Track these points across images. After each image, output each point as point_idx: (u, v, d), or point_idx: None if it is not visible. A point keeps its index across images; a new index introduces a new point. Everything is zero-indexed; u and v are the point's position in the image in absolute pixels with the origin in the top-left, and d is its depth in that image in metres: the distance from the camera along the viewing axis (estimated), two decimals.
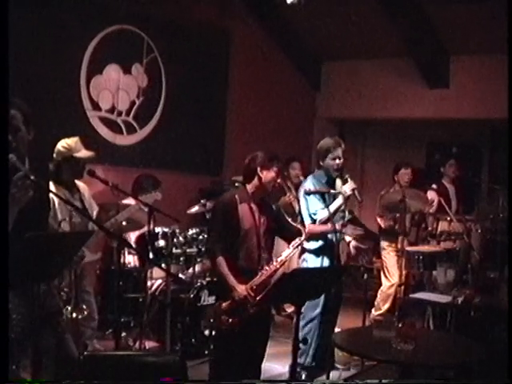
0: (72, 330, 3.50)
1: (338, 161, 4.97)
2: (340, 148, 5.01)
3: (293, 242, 4.12)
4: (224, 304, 3.92)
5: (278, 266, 3.98)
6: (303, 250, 5.03)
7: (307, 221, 4.97)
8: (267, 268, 3.97)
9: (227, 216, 4.00)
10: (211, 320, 5.43)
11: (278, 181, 4.10)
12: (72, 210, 4.21)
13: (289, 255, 4.08)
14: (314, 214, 4.92)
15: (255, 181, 4.09)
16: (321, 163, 5.09)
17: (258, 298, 3.79)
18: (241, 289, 3.90)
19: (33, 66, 5.66)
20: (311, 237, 4.88)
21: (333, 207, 4.87)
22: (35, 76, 5.70)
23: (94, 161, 4.74)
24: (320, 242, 4.96)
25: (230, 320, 3.87)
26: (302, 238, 4.11)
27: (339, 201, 4.91)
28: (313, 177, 5.16)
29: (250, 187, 4.13)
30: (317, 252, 4.97)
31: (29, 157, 2.79)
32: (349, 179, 4.92)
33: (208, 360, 4.45)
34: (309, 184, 5.07)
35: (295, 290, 3.33)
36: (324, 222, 4.87)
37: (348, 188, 4.87)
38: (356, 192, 4.90)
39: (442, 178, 7.54)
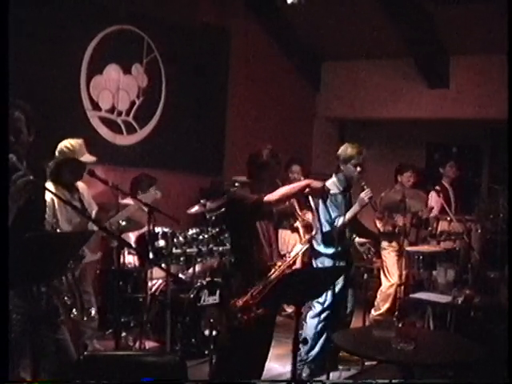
0: (72, 330, 3.50)
1: (359, 168, 5.07)
2: (362, 156, 5.11)
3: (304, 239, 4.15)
4: (239, 301, 3.83)
5: (291, 262, 3.95)
6: (318, 254, 5.06)
7: (325, 227, 5.02)
8: (280, 264, 3.94)
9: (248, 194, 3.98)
10: (211, 320, 5.44)
11: (277, 180, 4.08)
12: (72, 209, 4.21)
13: (300, 251, 4.08)
14: (334, 221, 4.98)
15: (258, 178, 4.06)
16: (341, 167, 5.16)
17: (259, 299, 3.76)
18: (316, 182, 4.00)
19: (33, 66, 5.65)
20: (326, 241, 4.96)
21: (349, 214, 4.96)
22: (35, 76, 5.69)
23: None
24: (335, 247, 4.99)
25: (245, 317, 3.82)
26: (313, 232, 4.14)
27: (356, 208, 5.00)
28: (336, 180, 5.20)
29: (253, 186, 4.09)
30: (332, 256, 5.00)
31: (27, 158, 2.79)
32: (365, 187, 5.00)
33: (209, 360, 4.43)
34: (332, 185, 5.08)
35: (295, 290, 3.33)
36: (340, 228, 4.93)
37: (365, 196, 4.96)
38: (372, 201, 5.02)
39: (441, 178, 7.54)
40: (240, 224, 4.06)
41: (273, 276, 3.86)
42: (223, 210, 5.92)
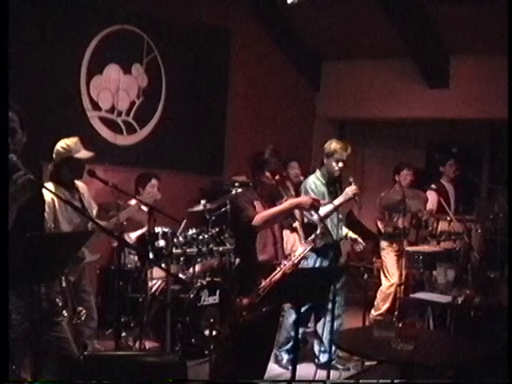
0: (71, 330, 3.50)
1: (340, 164, 5.21)
2: (346, 152, 5.23)
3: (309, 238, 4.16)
4: (245, 300, 3.80)
5: (295, 262, 3.95)
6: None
7: (305, 219, 5.05)
8: (285, 263, 3.94)
9: (247, 203, 3.96)
10: (211, 320, 5.44)
11: (277, 177, 4.06)
12: (72, 210, 4.21)
13: (305, 250, 4.08)
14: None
15: (260, 177, 4.07)
16: (324, 161, 5.31)
17: (258, 299, 3.75)
18: (305, 199, 4.10)
19: (33, 65, 5.66)
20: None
21: (331, 206, 5.01)
22: (35, 76, 5.70)
23: (94, 161, 4.73)
24: (323, 240, 5.00)
25: (250, 316, 3.77)
26: (318, 232, 4.14)
27: (339, 200, 5.05)
28: (315, 176, 5.35)
29: (256, 186, 4.11)
30: (320, 250, 5.02)
31: (24, 158, 2.78)
32: (353, 183, 5.08)
33: (209, 360, 4.43)
34: (311, 182, 5.29)
35: (295, 291, 3.33)
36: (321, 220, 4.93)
37: (350, 191, 5.03)
38: (357, 197, 5.09)
39: (440, 177, 7.54)
40: (242, 228, 4.04)
41: (277, 276, 3.85)
42: (223, 210, 5.94)
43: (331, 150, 5.22)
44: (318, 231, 4.16)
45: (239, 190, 4.17)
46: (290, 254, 4.06)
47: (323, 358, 5.36)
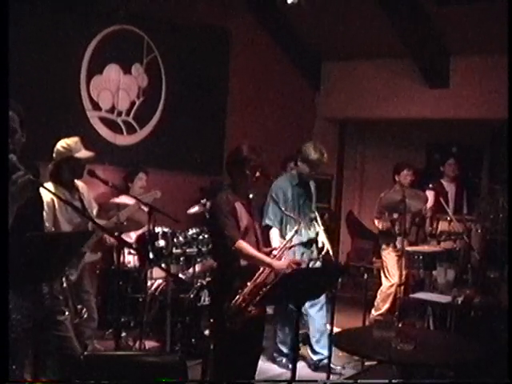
0: (72, 330, 3.50)
1: (313, 172, 5.20)
2: (322, 163, 5.19)
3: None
4: (233, 303, 3.76)
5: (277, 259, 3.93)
6: None
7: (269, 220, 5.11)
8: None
9: (228, 214, 3.88)
10: (211, 320, 5.43)
11: (257, 175, 3.96)
12: (72, 209, 4.21)
13: (284, 247, 4.04)
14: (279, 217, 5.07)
15: (241, 175, 3.98)
16: (298, 164, 5.27)
17: (258, 298, 3.74)
18: (279, 264, 3.84)
19: (33, 66, 5.66)
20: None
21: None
22: (35, 76, 5.70)
23: (94, 161, 4.74)
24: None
25: (239, 319, 3.74)
26: (296, 227, 4.16)
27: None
28: (284, 178, 5.34)
29: (236, 185, 4.02)
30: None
31: (23, 158, 2.78)
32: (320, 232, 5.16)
33: (203, 360, 4.41)
34: (280, 183, 5.22)
35: (295, 290, 3.32)
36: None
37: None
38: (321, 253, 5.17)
39: (441, 177, 7.55)
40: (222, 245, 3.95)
41: (262, 275, 3.82)
42: None
43: (307, 158, 5.15)
44: (297, 227, 4.15)
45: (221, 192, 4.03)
46: (270, 253, 3.99)
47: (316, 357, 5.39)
